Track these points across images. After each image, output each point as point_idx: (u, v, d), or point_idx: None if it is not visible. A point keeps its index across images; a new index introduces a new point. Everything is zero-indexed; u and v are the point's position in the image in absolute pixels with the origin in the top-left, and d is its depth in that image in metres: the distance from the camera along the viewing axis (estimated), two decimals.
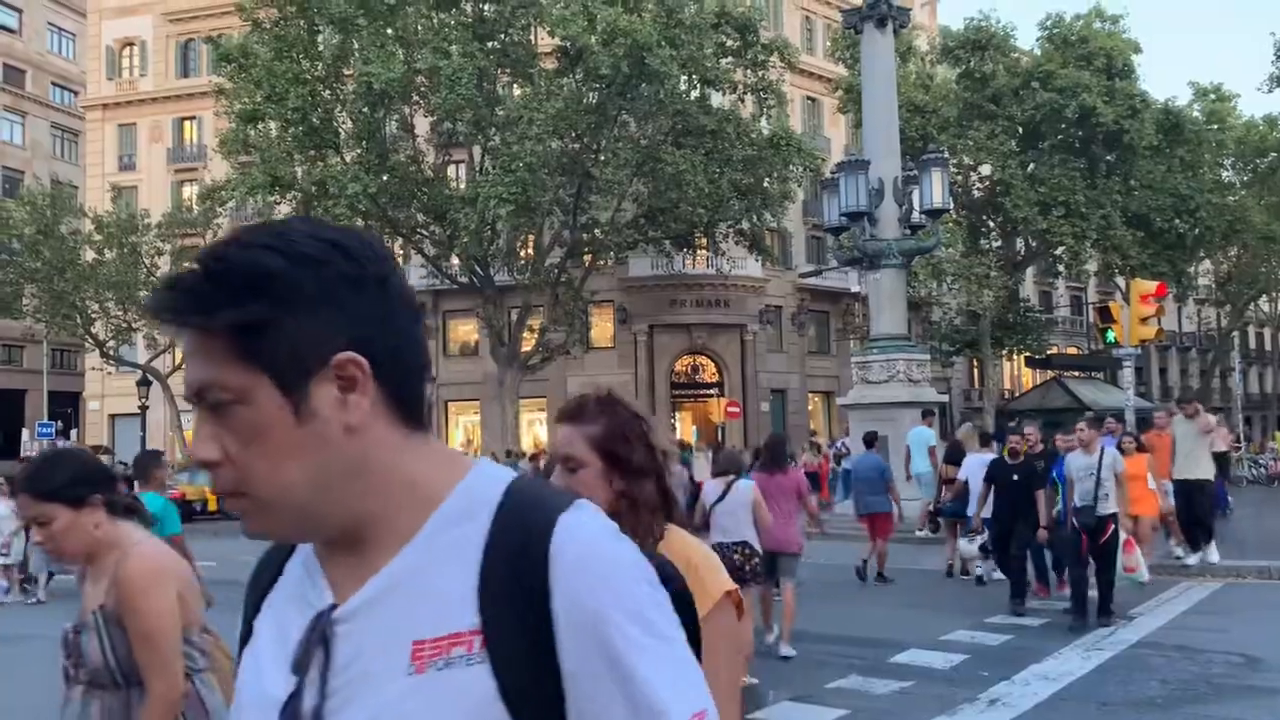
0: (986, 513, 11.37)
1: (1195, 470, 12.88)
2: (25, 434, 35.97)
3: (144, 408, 35.67)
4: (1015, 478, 10.73)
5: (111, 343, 37.86)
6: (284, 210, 30.88)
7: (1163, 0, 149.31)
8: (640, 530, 2.05)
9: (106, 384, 43.07)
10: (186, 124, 45.62)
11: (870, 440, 13.66)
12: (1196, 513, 12.99)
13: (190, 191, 42.79)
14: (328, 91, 29.79)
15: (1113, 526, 9.87)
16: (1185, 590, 11.98)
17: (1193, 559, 13.18)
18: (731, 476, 8.13)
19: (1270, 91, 36.05)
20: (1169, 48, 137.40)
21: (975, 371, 46.98)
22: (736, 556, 7.55)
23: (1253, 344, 67.42)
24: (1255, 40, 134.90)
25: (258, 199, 30.30)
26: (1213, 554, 13.23)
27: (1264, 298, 59.36)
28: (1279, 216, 42.12)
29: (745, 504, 7.84)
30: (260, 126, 29.31)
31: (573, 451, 2.19)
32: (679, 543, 2.18)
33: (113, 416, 44.23)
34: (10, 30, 52.29)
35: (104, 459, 39.42)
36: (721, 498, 7.91)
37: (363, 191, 27.17)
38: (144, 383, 35.70)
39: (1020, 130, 35.24)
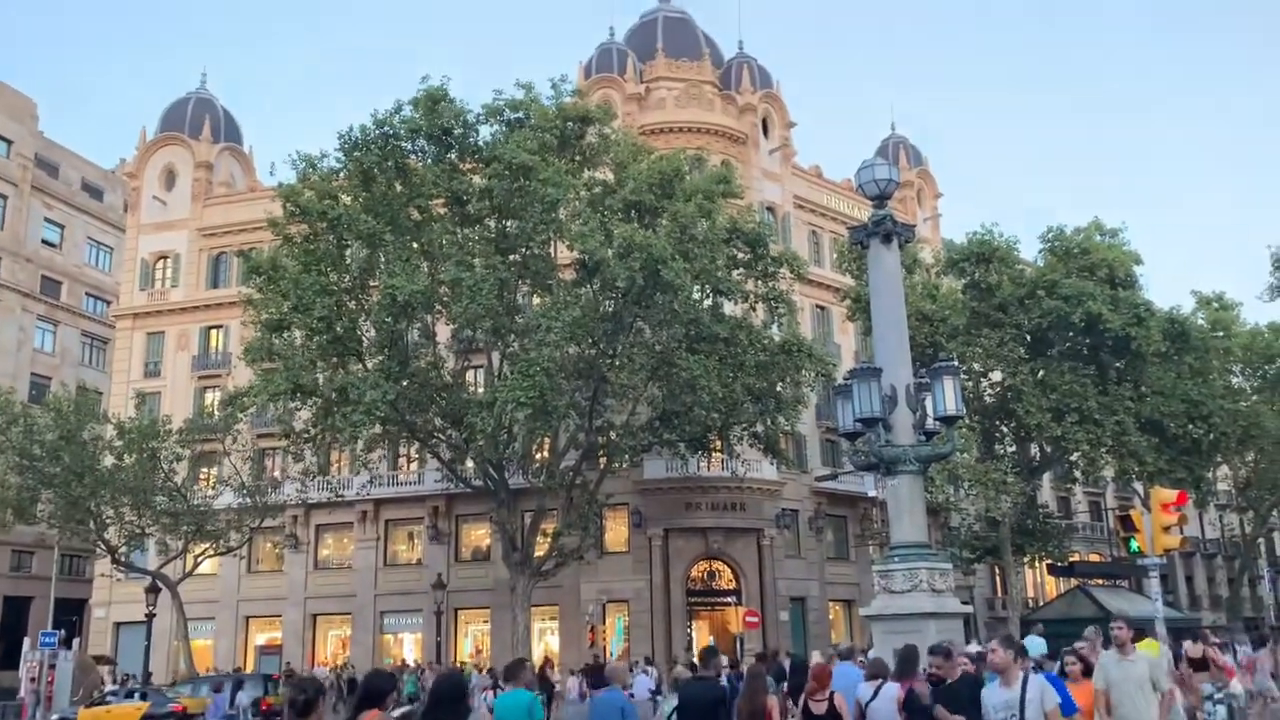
0: None
1: None
2: (26, 643, 35.17)
3: (151, 615, 35.02)
4: (937, 710, 8.58)
5: (123, 549, 37.60)
6: (304, 415, 31.29)
7: (1159, 214, 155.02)
8: None
9: (114, 591, 42.47)
10: (213, 332, 46.92)
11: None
12: None
13: (212, 398, 43.54)
14: (353, 302, 30.77)
15: None
16: None
17: None
18: (880, 680, 9.73)
19: (1271, 300, 36.89)
20: (1168, 258, 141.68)
21: (997, 579, 45.96)
22: None
23: (1279, 551, 66.04)
24: (1249, 251, 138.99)
25: (279, 404, 30.76)
26: None
27: None
28: None
29: (892, 699, 9.40)
30: (285, 335, 30.12)
31: None
32: None
33: (118, 624, 43.37)
34: (52, 245, 54.71)
35: (105, 669, 38.40)
36: (874, 697, 9.56)
37: (382, 398, 27.63)
38: (153, 589, 35.21)
39: (1028, 338, 35.83)
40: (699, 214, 29.76)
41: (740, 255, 32.37)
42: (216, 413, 38.92)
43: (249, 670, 39.63)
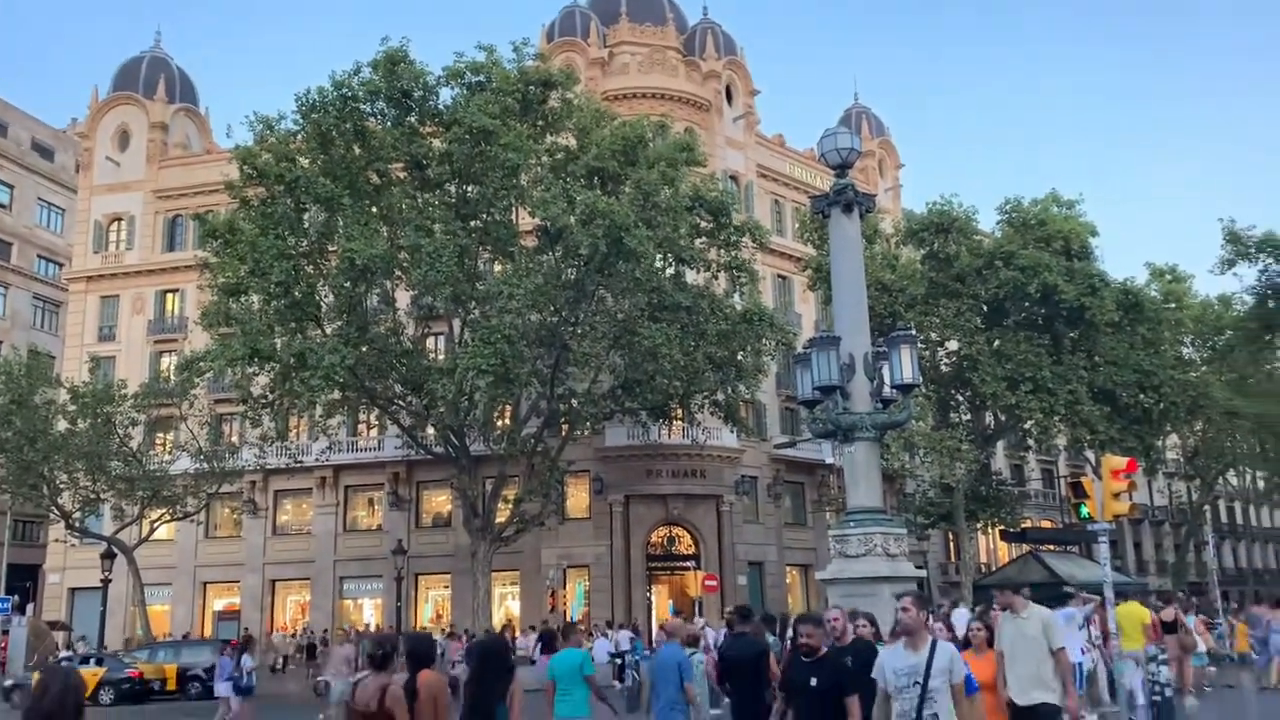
0: None
1: (1035, 689, 8.54)
2: None
3: (107, 581, 34.73)
4: (814, 682, 7.44)
5: (77, 514, 37.20)
6: (262, 381, 31.04)
7: (1117, 183, 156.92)
8: None
9: (69, 556, 42.04)
10: (169, 296, 46.28)
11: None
12: None
13: (168, 362, 43.00)
14: (311, 266, 30.45)
15: None
16: None
17: None
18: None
19: (1222, 273, 37.58)
20: (1124, 229, 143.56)
21: (951, 545, 46.77)
22: None
23: (1224, 518, 67.74)
24: (1205, 223, 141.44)
25: (236, 369, 30.46)
26: None
27: (1232, 472, 60.02)
28: (1240, 392, 43.11)
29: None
30: (243, 299, 29.77)
31: None
32: None
33: (72, 590, 43.00)
34: (1, 205, 53.52)
35: (60, 635, 38.08)
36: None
37: (340, 363, 27.43)
38: (108, 555, 34.90)
39: (985, 308, 36.30)
40: (662, 181, 29.72)
41: (703, 224, 32.40)
42: (173, 377, 38.45)
43: (208, 635, 39.55)
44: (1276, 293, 36.61)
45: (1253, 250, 36.15)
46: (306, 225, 30.56)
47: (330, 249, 30.53)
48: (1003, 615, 8.92)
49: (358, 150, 30.50)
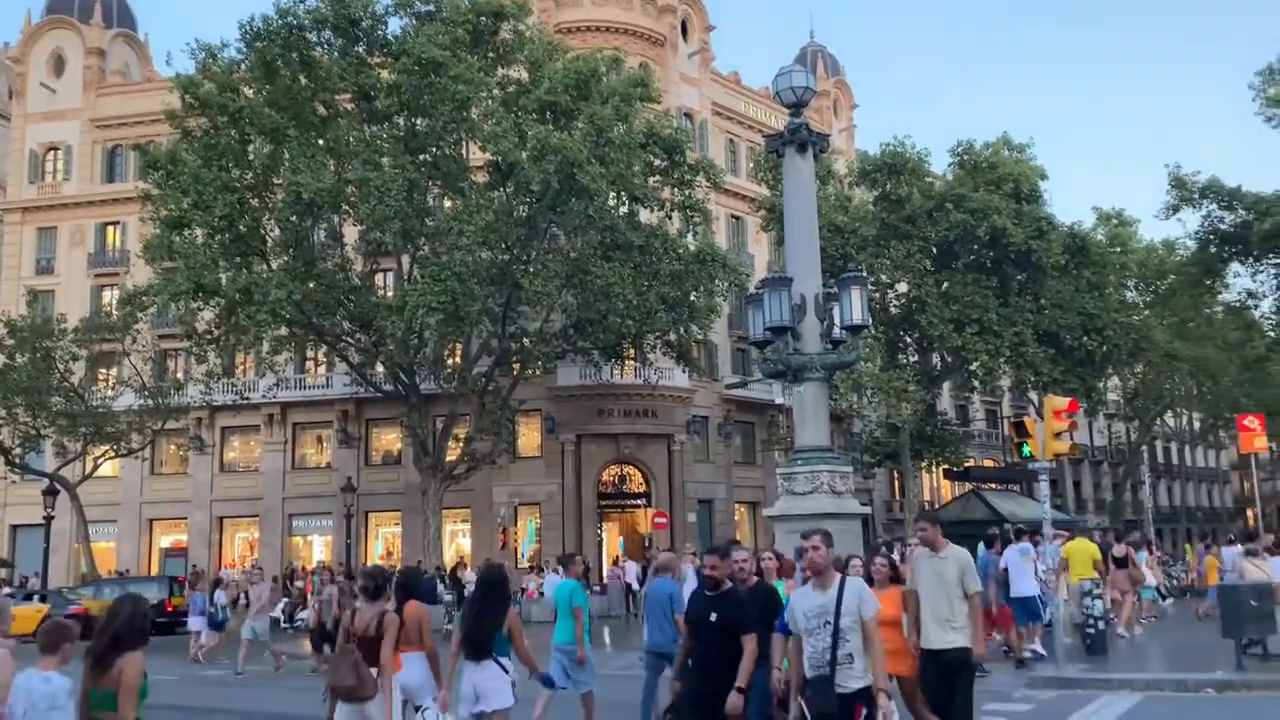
0: None
1: (949, 631, 7.88)
2: None
3: (49, 518, 34.27)
4: (713, 617, 7.16)
5: (18, 450, 36.53)
6: (207, 316, 30.52)
7: (1066, 130, 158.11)
8: None
9: (9, 493, 41.39)
10: (109, 229, 45.14)
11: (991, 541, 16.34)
12: (953, 706, 7.83)
13: (110, 296, 42.08)
14: (256, 200, 29.84)
15: (865, 710, 6.24)
16: (1105, 704, 12.12)
17: None
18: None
19: (1167, 218, 38.05)
20: (1073, 174, 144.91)
21: (896, 483, 47.62)
22: None
23: (1160, 458, 69.67)
24: (1153, 170, 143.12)
25: (180, 304, 29.91)
26: None
27: (1169, 413, 61.61)
28: (1180, 336, 44.07)
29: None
30: (186, 233, 29.15)
31: None
32: None
33: (14, 527, 42.39)
34: None
35: (2, 572, 37.50)
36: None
37: (287, 298, 27.03)
38: (50, 492, 34.39)
39: (935, 250, 36.59)
40: (615, 117, 29.35)
41: (657, 162, 32.14)
42: (114, 312, 37.65)
43: (155, 573, 39.33)
44: (1218, 238, 37.22)
45: (1196, 196, 36.60)
46: (251, 157, 29.87)
47: (276, 182, 29.90)
48: (919, 553, 8.33)
49: (304, 81, 29.75)
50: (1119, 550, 19.30)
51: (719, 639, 7.06)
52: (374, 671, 7.23)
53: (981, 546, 16.33)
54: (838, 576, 6.52)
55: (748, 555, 8.54)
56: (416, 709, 7.77)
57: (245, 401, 38.75)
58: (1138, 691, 12.88)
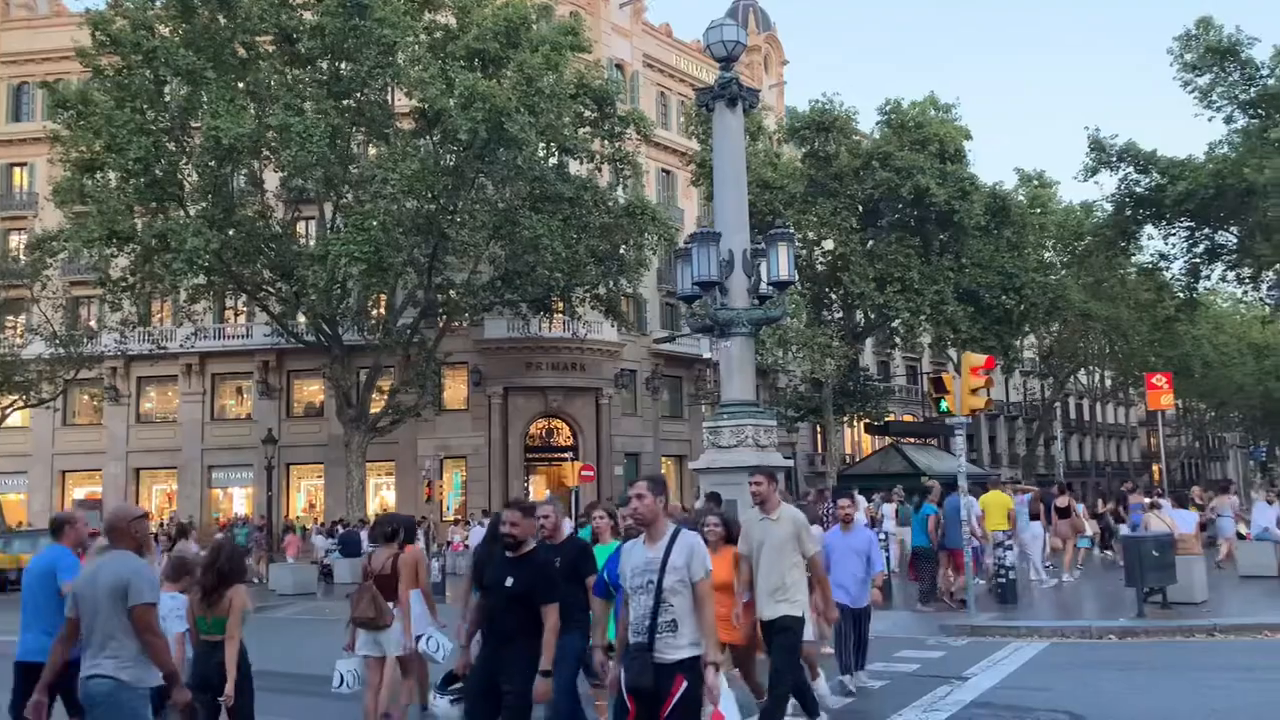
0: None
1: (780, 602, 7.34)
2: None
3: None
4: (510, 583, 6.25)
5: None
6: (121, 263, 29.59)
7: (991, 93, 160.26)
8: None
9: None
10: (16, 170, 43.32)
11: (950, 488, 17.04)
12: (787, 674, 7.43)
13: (18, 241, 40.54)
14: (172, 143, 28.89)
15: (685, 684, 5.35)
16: (1014, 650, 12.59)
17: None
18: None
19: (1086, 180, 38.93)
20: (996, 136, 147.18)
21: (819, 437, 48.44)
22: None
23: (1073, 414, 71.91)
24: (1073, 133, 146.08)
25: (93, 250, 28.94)
26: None
27: (1082, 371, 63.50)
28: (1095, 296, 45.31)
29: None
30: (98, 176, 28.16)
31: None
32: None
33: None
34: None
35: None
36: None
37: (205, 246, 26.31)
38: None
39: (860, 208, 36.98)
40: (545, 67, 28.94)
41: (587, 113, 31.86)
42: (22, 257, 36.28)
43: None
44: (1133, 201, 38.23)
45: (1114, 159, 37.51)
46: (167, 99, 28.84)
47: (194, 125, 28.96)
48: (751, 513, 7.65)
49: (223, 20, 28.75)
50: (1061, 501, 20.38)
51: (517, 608, 6.17)
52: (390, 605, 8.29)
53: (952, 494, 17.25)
54: (670, 529, 5.59)
55: (551, 510, 7.67)
56: (417, 638, 8.63)
57: (162, 351, 37.76)
58: (1045, 638, 13.40)
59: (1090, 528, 23.10)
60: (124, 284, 29.96)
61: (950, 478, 19.26)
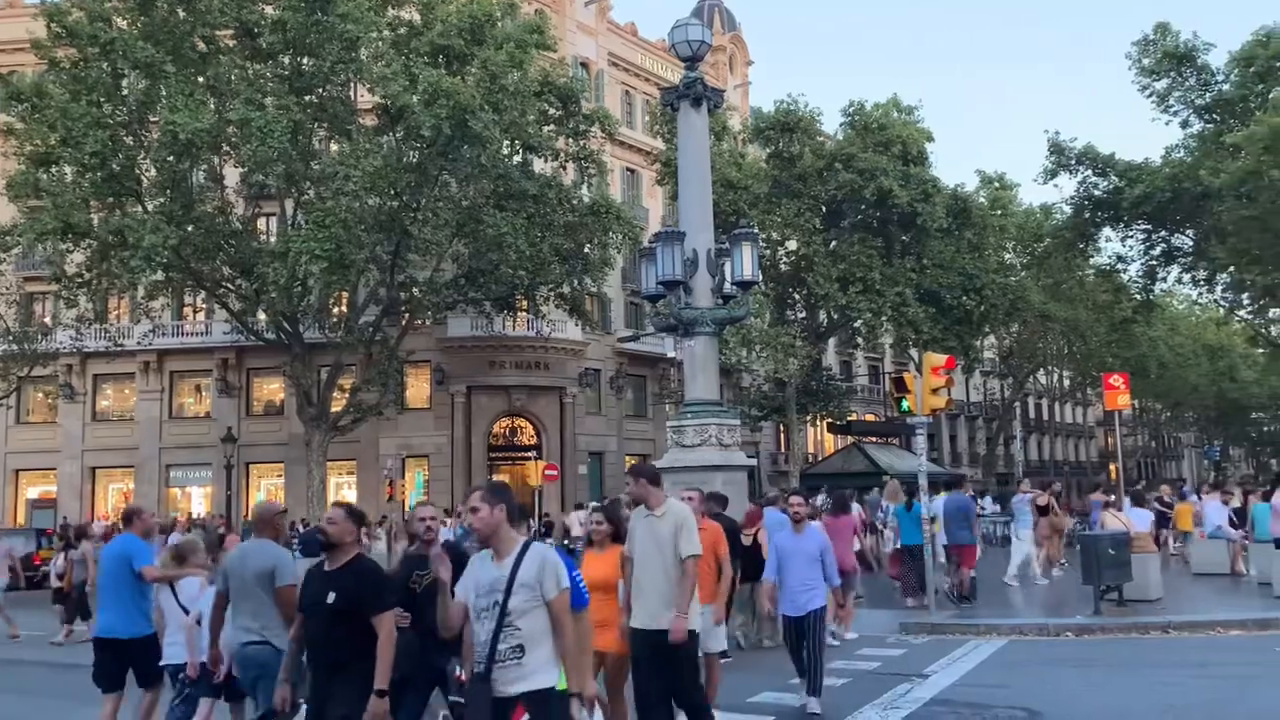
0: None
1: (668, 613, 6.60)
2: None
3: None
4: (332, 598, 5.55)
5: None
6: (77, 258, 29.10)
7: (953, 95, 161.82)
8: None
9: None
10: None
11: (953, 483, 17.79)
12: (679, 689, 6.78)
13: None
14: (130, 138, 28.44)
15: (525, 717, 4.68)
16: (974, 647, 12.71)
17: None
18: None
19: (1045, 183, 39.55)
20: (958, 139, 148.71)
21: (782, 436, 48.67)
22: None
23: (1032, 414, 72.78)
24: (1034, 135, 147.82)
25: (48, 246, 28.43)
26: None
27: (1041, 371, 64.30)
28: (1054, 297, 45.89)
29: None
30: (54, 170, 27.66)
31: None
32: None
33: None
34: None
35: None
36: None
37: (163, 243, 25.91)
38: None
39: (824, 209, 37.20)
40: (510, 64, 28.79)
41: (552, 111, 31.75)
42: None
43: (20, 525, 37.71)
44: (1092, 204, 38.76)
45: (1073, 162, 38.02)
46: (125, 93, 28.38)
47: (152, 120, 28.49)
48: (636, 511, 6.96)
49: (182, 14, 28.31)
50: (1042, 499, 20.63)
51: (339, 627, 5.41)
52: None
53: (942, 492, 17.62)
54: (519, 542, 4.88)
55: (434, 511, 7.08)
56: None
57: (119, 348, 37.23)
58: (1003, 636, 13.54)
59: (1068, 524, 23.69)
60: (80, 280, 29.47)
61: (911, 476, 19.42)
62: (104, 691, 7.81)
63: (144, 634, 7.70)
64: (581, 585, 5.00)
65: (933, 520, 16.59)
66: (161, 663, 7.73)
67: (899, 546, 17.36)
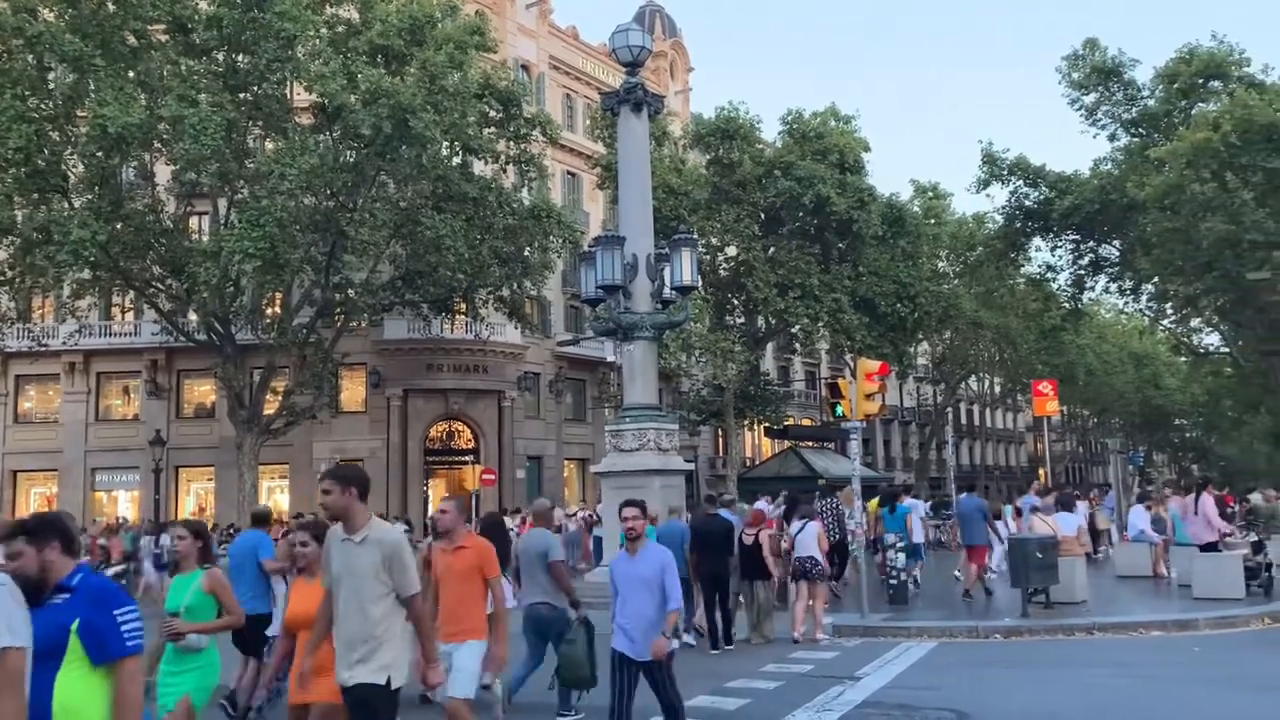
0: None
1: (359, 663, 5.24)
2: None
3: None
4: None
5: None
6: (0, 256, 28.27)
7: (889, 104, 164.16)
8: None
9: None
10: None
11: (970, 487, 17.40)
12: None
13: None
14: (56, 133, 27.68)
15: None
16: (905, 650, 12.91)
17: None
18: (805, 520, 14.34)
19: (978, 192, 40.24)
20: (893, 148, 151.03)
21: (720, 441, 48.96)
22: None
23: (964, 420, 74.09)
24: (968, 145, 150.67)
25: None
26: None
27: (973, 377, 65.51)
28: (986, 305, 46.81)
29: (813, 534, 14.10)
30: None
31: None
32: None
33: None
34: None
35: None
36: (799, 530, 14.22)
37: (90, 239, 25.25)
38: None
39: (763, 216, 37.52)
40: (450, 65, 28.60)
41: (492, 113, 31.60)
42: None
43: None
44: (1023, 214, 39.63)
45: (1005, 173, 38.86)
46: (52, 86, 27.63)
47: (80, 114, 27.78)
48: (332, 532, 5.43)
49: (112, 7, 27.63)
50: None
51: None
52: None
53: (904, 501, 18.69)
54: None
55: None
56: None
57: (43, 348, 36.18)
58: (934, 638, 13.77)
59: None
60: (2, 277, 28.64)
61: (846, 480, 19.68)
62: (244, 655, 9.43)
63: (258, 612, 9.31)
64: (127, 630, 3.71)
65: (947, 520, 17.13)
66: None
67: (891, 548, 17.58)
